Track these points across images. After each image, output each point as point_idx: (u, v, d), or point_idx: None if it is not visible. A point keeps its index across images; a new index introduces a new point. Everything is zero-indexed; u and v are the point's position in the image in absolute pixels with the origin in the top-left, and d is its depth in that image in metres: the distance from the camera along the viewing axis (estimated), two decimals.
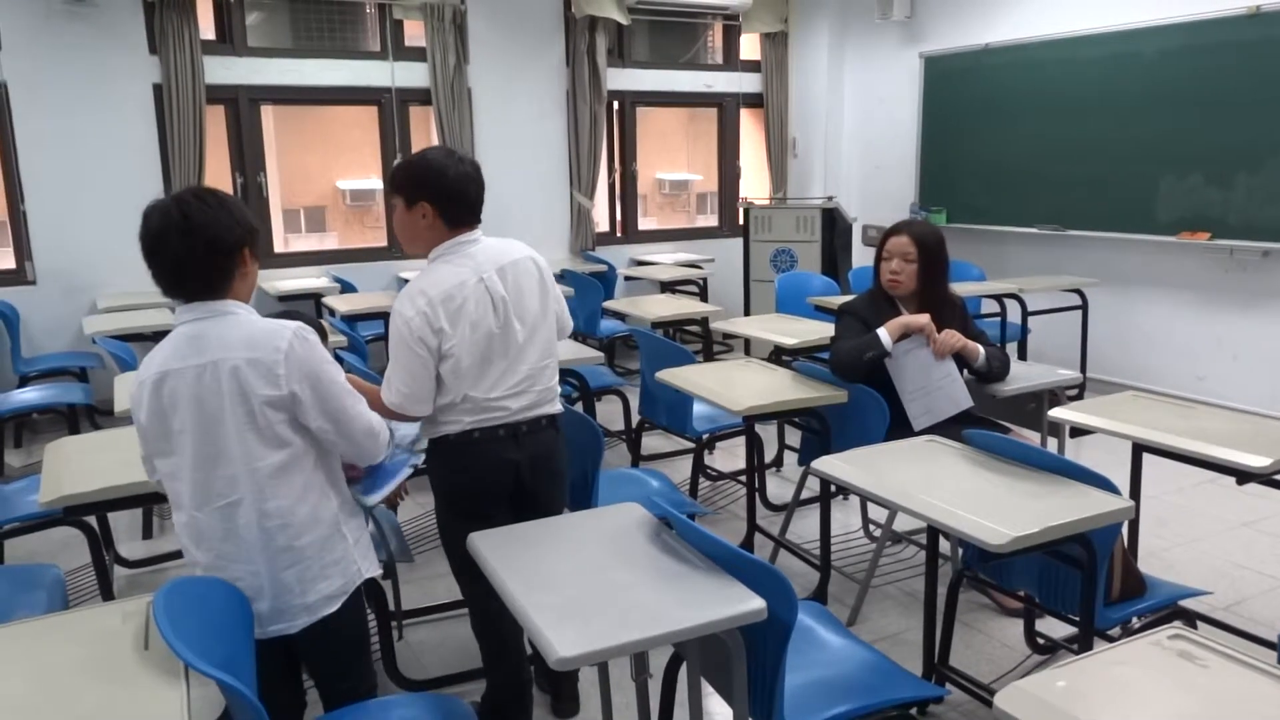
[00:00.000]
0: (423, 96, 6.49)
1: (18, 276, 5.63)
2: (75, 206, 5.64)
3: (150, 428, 1.83)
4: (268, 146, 6.41)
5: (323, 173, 9.39)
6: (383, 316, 5.21)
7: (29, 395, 4.76)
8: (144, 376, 1.82)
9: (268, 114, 6.52)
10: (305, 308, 5.83)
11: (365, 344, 4.53)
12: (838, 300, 4.64)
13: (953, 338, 3.04)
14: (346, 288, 5.99)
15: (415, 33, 6.48)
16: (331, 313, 5.28)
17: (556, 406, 2.41)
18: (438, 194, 2.23)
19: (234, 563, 1.84)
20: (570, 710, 2.61)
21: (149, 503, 2.70)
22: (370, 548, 2.03)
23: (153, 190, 5.73)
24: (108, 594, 2.72)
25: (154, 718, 1.44)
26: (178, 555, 3.59)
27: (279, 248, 6.60)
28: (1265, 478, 2.42)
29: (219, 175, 6.11)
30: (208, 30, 5.94)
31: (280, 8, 6.36)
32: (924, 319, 3.05)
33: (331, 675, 2.02)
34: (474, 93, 6.58)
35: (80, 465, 2.49)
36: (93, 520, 2.65)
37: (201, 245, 1.78)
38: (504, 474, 2.31)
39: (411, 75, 6.45)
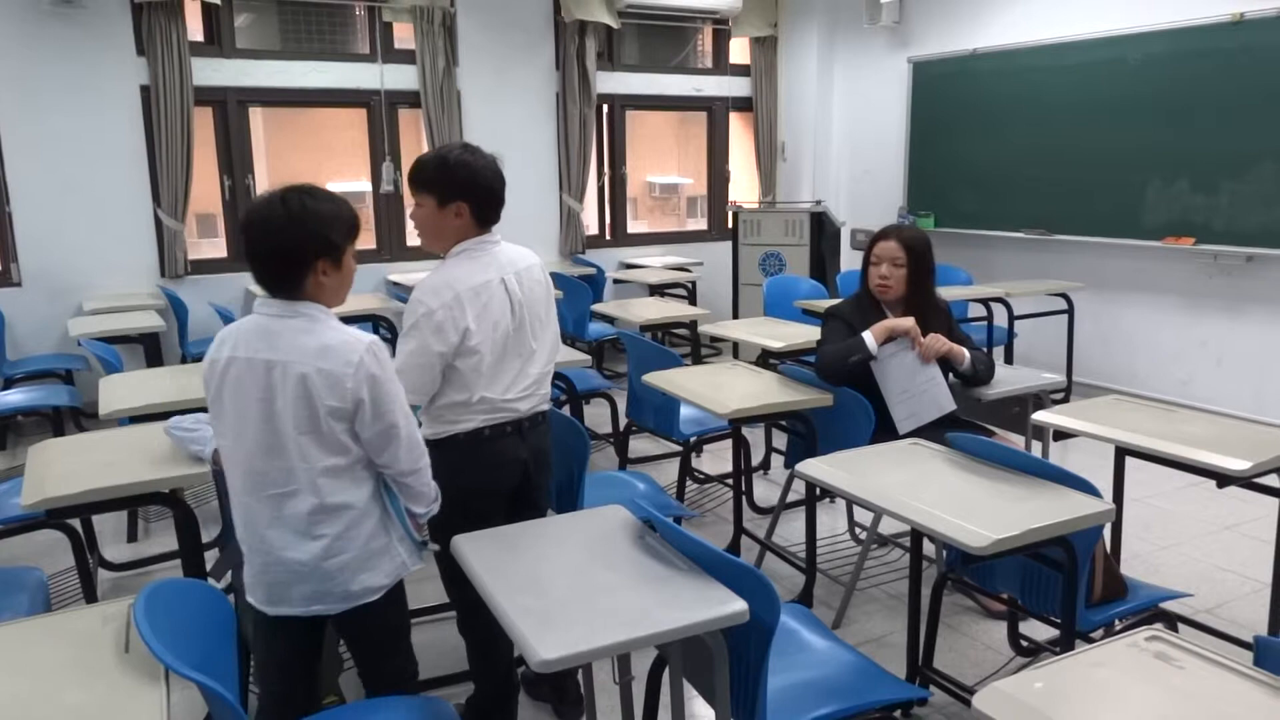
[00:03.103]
0: (412, 99, 6.49)
1: (3, 278, 5.60)
2: (61, 208, 5.61)
3: (212, 407, 1.91)
4: (256, 149, 6.39)
5: (312, 175, 9.35)
6: (371, 319, 5.20)
7: (14, 397, 4.73)
8: (215, 356, 1.89)
9: (256, 116, 6.50)
10: None
11: None
12: (825, 304, 4.65)
13: (938, 342, 3.06)
14: None
15: (404, 35, 6.48)
16: None
17: (548, 405, 2.51)
18: (476, 194, 2.26)
19: (281, 550, 1.87)
20: (574, 714, 2.61)
21: (133, 505, 2.70)
22: (411, 543, 2.06)
23: (140, 192, 5.84)
24: (91, 597, 2.72)
25: None
26: (163, 558, 3.59)
27: None
28: (1246, 481, 2.44)
29: (207, 178, 6.09)
30: (196, 32, 5.93)
31: (269, 10, 6.35)
32: (909, 322, 3.06)
33: (372, 658, 2.06)
34: (463, 95, 6.58)
35: (64, 467, 2.47)
36: (76, 523, 2.64)
37: (265, 247, 1.84)
38: (513, 471, 2.37)
39: (401, 78, 6.45)
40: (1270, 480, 2.53)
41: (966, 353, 3.12)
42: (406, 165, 7.21)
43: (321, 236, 1.85)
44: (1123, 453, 2.78)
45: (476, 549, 1.93)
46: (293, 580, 1.88)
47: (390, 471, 1.96)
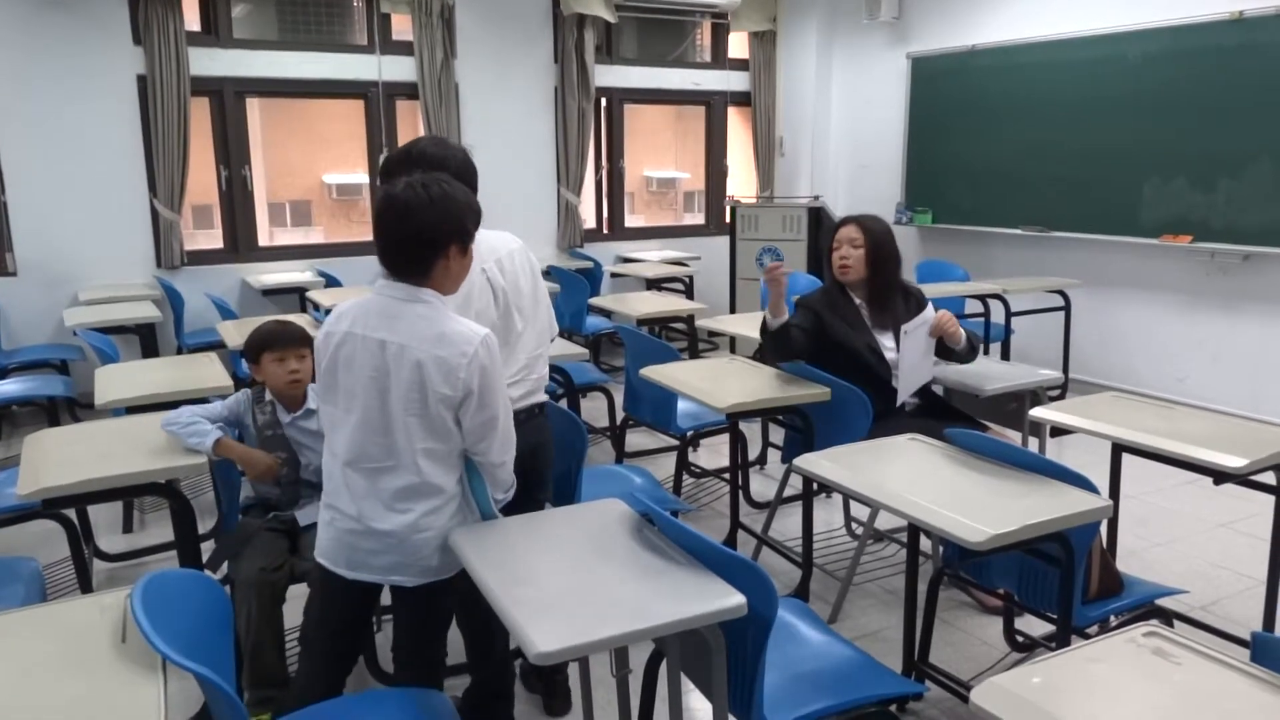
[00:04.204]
0: (410, 91, 6.47)
1: None
2: (57, 198, 5.59)
3: (323, 377, 1.99)
4: (253, 139, 6.38)
5: (308, 166, 9.34)
6: None
7: (9, 387, 4.72)
8: (332, 329, 1.97)
9: (253, 106, 6.49)
10: (289, 302, 5.82)
11: None
12: None
13: (953, 323, 3.17)
14: (331, 282, 5.97)
15: (403, 26, 6.46)
16: (316, 307, 5.26)
17: (544, 395, 2.48)
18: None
19: (372, 520, 1.95)
20: (562, 709, 2.61)
21: (129, 496, 2.69)
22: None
23: (136, 182, 5.82)
24: (86, 587, 2.71)
25: (130, 711, 1.43)
26: (158, 549, 3.58)
27: (263, 241, 6.57)
28: (1241, 478, 2.45)
29: (204, 168, 6.07)
30: (193, 21, 5.90)
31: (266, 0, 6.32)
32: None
33: (421, 640, 2.10)
34: (461, 88, 6.56)
35: (59, 457, 2.46)
36: (72, 513, 2.63)
37: (406, 229, 1.89)
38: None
39: (399, 69, 6.43)
40: (1266, 477, 2.54)
41: (963, 334, 3.21)
42: None
43: (458, 221, 1.93)
44: (1119, 449, 2.79)
45: (474, 542, 1.93)
46: (379, 549, 1.95)
47: (481, 460, 2.02)
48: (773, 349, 3.21)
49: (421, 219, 1.88)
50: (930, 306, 3.25)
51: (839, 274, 3.28)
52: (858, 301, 3.28)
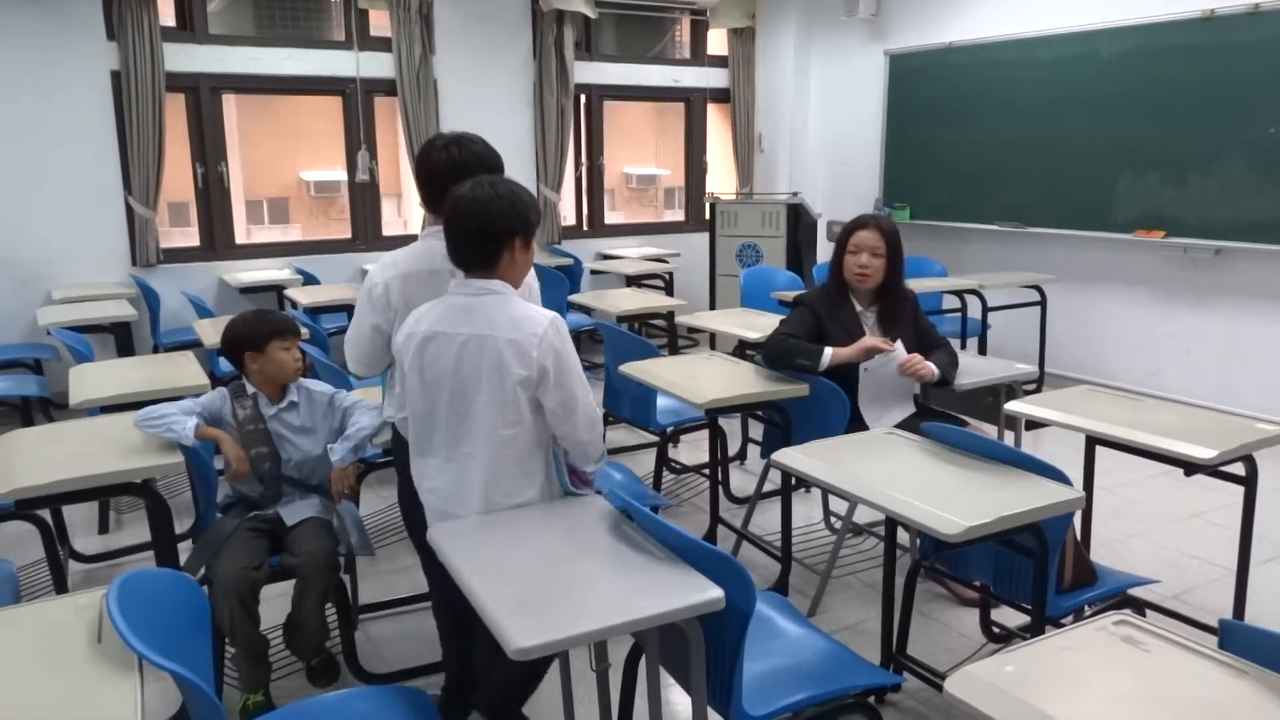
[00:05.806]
0: (388, 87, 6.44)
1: None
2: (30, 195, 5.52)
3: (410, 376, 2.09)
4: (229, 136, 6.31)
5: (286, 163, 9.26)
6: (346, 309, 5.16)
7: None
8: (415, 330, 2.09)
9: (230, 103, 6.42)
10: (267, 300, 5.78)
11: (328, 337, 4.48)
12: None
13: (922, 366, 3.05)
14: (309, 280, 5.93)
15: (381, 22, 6.43)
16: (294, 305, 5.22)
17: None
18: (419, 180, 2.36)
19: (459, 506, 2.07)
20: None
21: (104, 496, 2.67)
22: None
23: (111, 179, 5.77)
24: (62, 589, 2.69)
25: (107, 712, 1.42)
26: (135, 550, 3.56)
27: (240, 239, 6.51)
28: (1212, 469, 2.49)
29: (180, 165, 6.01)
30: (168, 17, 5.84)
31: None
32: (881, 343, 3.07)
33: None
34: (440, 84, 6.54)
35: (33, 457, 2.44)
36: (46, 514, 2.60)
37: (475, 223, 2.02)
38: None
39: (377, 65, 6.40)
40: (1236, 468, 2.58)
41: (936, 370, 3.09)
42: (382, 154, 7.13)
43: (522, 216, 2.05)
44: (1093, 442, 2.82)
45: (454, 537, 1.93)
46: None
47: (567, 439, 2.10)
48: (786, 369, 3.16)
49: (486, 215, 2.00)
50: (900, 345, 3.10)
51: (856, 281, 3.19)
52: (859, 308, 3.22)
